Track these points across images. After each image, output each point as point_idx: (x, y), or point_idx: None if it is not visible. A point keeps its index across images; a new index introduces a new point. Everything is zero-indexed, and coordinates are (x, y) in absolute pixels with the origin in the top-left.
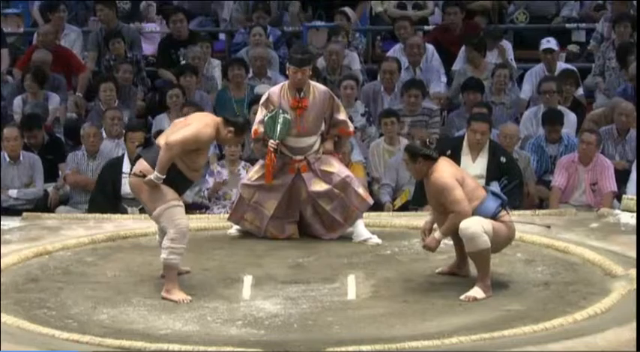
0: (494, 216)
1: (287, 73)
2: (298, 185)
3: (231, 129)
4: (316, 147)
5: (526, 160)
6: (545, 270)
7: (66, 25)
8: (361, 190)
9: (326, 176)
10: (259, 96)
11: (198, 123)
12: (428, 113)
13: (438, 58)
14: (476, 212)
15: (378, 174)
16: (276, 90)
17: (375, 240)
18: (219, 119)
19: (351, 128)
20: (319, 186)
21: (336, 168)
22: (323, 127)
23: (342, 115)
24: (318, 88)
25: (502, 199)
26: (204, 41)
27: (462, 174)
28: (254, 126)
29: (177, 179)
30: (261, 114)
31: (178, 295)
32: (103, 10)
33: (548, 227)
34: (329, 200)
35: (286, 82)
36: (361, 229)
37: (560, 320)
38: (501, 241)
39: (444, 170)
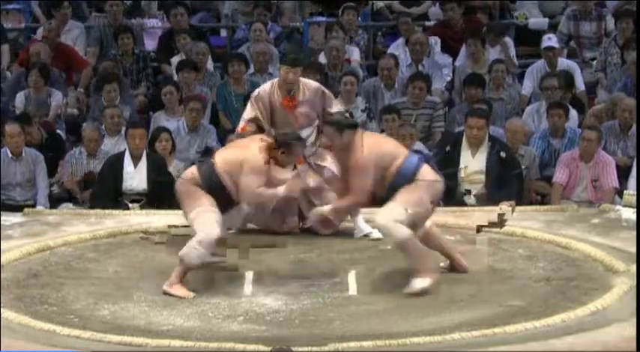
0: (416, 171)
1: (279, 71)
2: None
3: (283, 150)
4: (311, 139)
5: (531, 157)
6: (546, 266)
7: (69, 21)
8: None
9: (319, 170)
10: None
11: (249, 160)
12: (431, 106)
13: (441, 54)
14: (400, 170)
15: None
16: (266, 88)
17: (377, 234)
18: (268, 142)
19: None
20: (312, 180)
21: (329, 161)
22: (318, 121)
23: (334, 108)
24: (308, 84)
25: (423, 155)
26: (184, 34)
27: (378, 142)
28: (241, 124)
29: (221, 197)
30: (251, 111)
31: (180, 291)
32: (112, 6)
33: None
34: (318, 194)
35: (277, 80)
36: (361, 224)
37: (562, 315)
38: (427, 207)
39: (362, 151)
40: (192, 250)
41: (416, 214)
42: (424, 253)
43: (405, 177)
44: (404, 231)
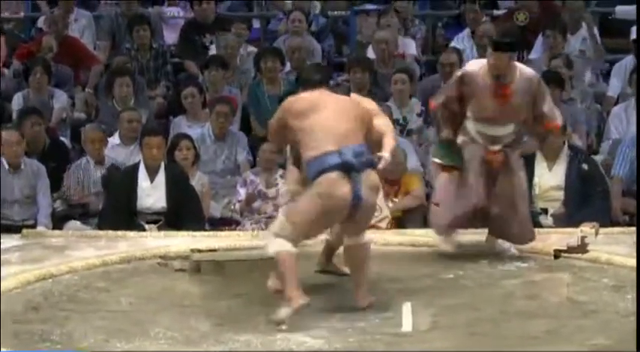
0: (320, 173)
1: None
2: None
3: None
4: (516, 136)
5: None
6: (636, 298)
7: (75, 10)
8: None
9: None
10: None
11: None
12: None
13: None
14: (311, 163)
15: None
16: (475, 70)
17: (514, 250)
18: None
19: (558, 119)
20: (505, 190)
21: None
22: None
23: (546, 107)
24: (523, 72)
25: (348, 164)
26: (240, 23)
27: (326, 104)
28: (433, 101)
29: None
30: (450, 90)
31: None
32: None
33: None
34: (509, 211)
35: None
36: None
37: None
38: (316, 222)
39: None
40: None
41: (299, 227)
42: (287, 276)
43: (310, 175)
44: (274, 247)
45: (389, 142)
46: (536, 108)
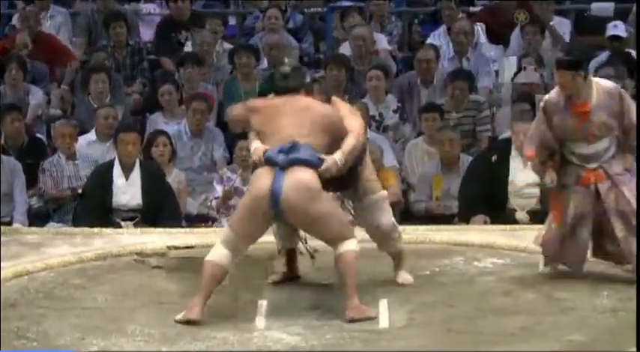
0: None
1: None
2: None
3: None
4: (611, 151)
5: None
6: (612, 295)
7: (51, 6)
8: None
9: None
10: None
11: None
12: (475, 107)
13: (488, 45)
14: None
15: (416, 181)
16: (552, 96)
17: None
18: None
19: None
20: (619, 203)
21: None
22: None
23: (634, 118)
24: (602, 86)
25: (270, 158)
26: (214, 18)
27: (278, 109)
28: (527, 146)
29: None
30: (538, 127)
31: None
32: None
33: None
34: (627, 227)
35: None
36: None
37: None
38: (241, 228)
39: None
40: None
41: (235, 229)
42: (201, 287)
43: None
44: (209, 254)
45: (346, 144)
46: (624, 121)
